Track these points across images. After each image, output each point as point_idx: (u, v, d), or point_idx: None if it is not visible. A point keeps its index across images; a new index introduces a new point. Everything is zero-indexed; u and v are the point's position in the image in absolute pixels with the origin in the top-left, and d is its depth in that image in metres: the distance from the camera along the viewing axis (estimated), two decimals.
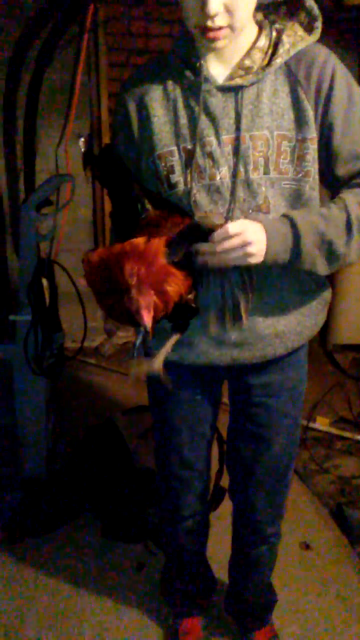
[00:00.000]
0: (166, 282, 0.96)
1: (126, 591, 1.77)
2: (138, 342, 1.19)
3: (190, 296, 1.04)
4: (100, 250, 1.01)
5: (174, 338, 1.10)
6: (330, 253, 1.04)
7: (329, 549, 1.92)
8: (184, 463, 1.36)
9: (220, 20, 0.97)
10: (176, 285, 0.97)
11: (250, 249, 0.96)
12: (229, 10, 0.96)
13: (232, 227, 0.95)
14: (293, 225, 1.01)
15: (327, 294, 1.23)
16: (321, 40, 1.08)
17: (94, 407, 2.70)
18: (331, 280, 3.31)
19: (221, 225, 0.96)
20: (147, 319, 0.94)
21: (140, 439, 2.18)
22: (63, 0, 2.80)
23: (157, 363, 1.09)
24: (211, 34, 0.99)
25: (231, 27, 0.99)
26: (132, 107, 1.11)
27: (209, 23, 0.97)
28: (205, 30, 0.99)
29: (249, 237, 0.96)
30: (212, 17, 0.96)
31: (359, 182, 1.08)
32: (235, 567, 1.56)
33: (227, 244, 0.95)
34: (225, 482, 1.53)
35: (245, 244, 0.96)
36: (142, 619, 1.68)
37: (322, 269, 1.06)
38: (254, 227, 0.98)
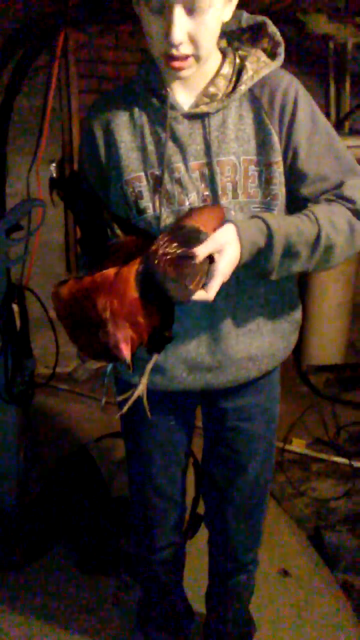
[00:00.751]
0: (139, 314, 0.94)
1: (102, 625, 1.71)
2: (109, 369, 1.17)
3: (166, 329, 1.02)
4: (70, 283, 0.98)
5: (151, 363, 1.09)
6: (290, 264, 1.02)
7: (308, 574, 1.90)
8: (158, 492, 1.33)
9: (184, 49, 0.97)
10: (149, 316, 0.96)
11: (227, 277, 0.95)
12: (193, 40, 0.97)
13: (199, 251, 0.92)
14: (269, 237, 0.99)
15: (298, 316, 1.23)
16: (285, 68, 1.10)
17: (67, 434, 2.64)
18: (304, 301, 3.34)
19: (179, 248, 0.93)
20: (126, 352, 0.92)
21: (116, 466, 2.14)
22: (34, 26, 2.82)
23: (140, 391, 1.07)
24: (176, 64, 0.99)
25: (195, 56, 0.99)
26: (98, 134, 1.11)
27: (174, 51, 0.97)
28: (169, 59, 0.99)
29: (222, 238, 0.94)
30: (176, 46, 0.96)
31: (327, 199, 1.08)
32: (213, 598, 1.52)
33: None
34: (202, 509, 1.50)
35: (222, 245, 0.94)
36: None
37: (275, 275, 1.03)
38: (226, 246, 0.95)
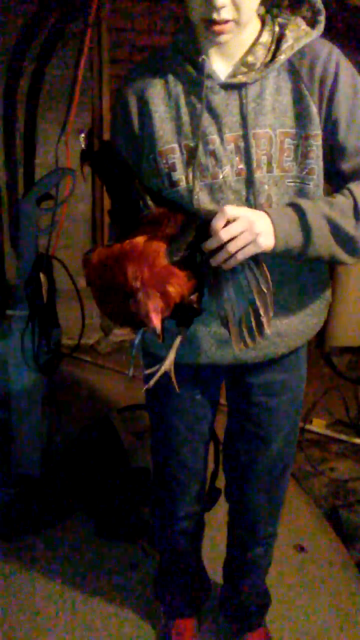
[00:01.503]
0: (168, 283, 0.94)
1: (120, 591, 1.75)
2: (137, 340, 1.18)
3: (193, 297, 1.02)
4: (100, 250, 0.99)
5: (179, 338, 1.09)
6: (341, 236, 1.01)
7: (324, 551, 1.91)
8: (181, 464, 1.34)
9: (226, 13, 0.95)
10: (178, 286, 0.96)
11: (257, 228, 0.94)
12: (235, 4, 0.95)
13: (230, 209, 0.93)
14: (295, 206, 0.99)
15: (328, 293, 1.22)
16: (334, 43, 1.07)
17: (89, 404, 2.68)
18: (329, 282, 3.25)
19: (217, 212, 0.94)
20: (157, 322, 0.93)
21: (137, 437, 2.17)
22: None
23: (168, 365, 1.07)
24: (217, 28, 0.97)
25: (236, 21, 0.97)
26: (132, 103, 1.09)
27: (215, 16, 0.95)
28: (210, 23, 0.97)
29: (251, 217, 0.94)
30: (218, 10, 0.94)
31: None
32: (230, 569, 1.55)
33: (232, 229, 0.93)
34: (220, 482, 1.52)
35: (251, 223, 0.93)
36: (135, 619, 1.67)
37: (343, 255, 1.02)
38: (252, 211, 0.96)
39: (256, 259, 0.97)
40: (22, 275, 1.92)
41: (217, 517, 1.73)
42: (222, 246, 0.94)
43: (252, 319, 0.99)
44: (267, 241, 0.96)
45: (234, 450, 1.34)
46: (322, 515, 2.07)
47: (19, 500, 2.02)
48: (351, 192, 1.02)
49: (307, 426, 2.55)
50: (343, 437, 2.51)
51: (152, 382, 1.08)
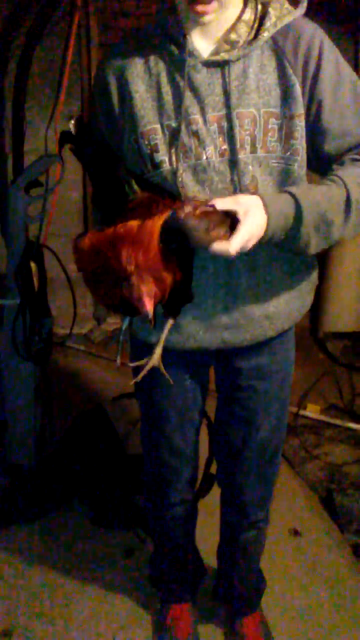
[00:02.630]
0: (163, 269, 0.93)
1: (115, 577, 1.76)
2: (124, 327, 1.17)
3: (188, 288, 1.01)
4: (91, 234, 0.97)
5: (169, 325, 1.08)
6: (327, 234, 1.01)
7: (319, 535, 1.92)
8: (173, 450, 1.34)
9: None
10: (172, 271, 0.94)
11: (253, 241, 0.93)
12: None
13: (245, 228, 0.91)
14: (297, 207, 0.97)
15: (314, 275, 1.21)
16: (315, 19, 1.05)
17: (83, 393, 2.68)
18: (323, 268, 3.27)
19: (207, 201, 0.92)
20: (150, 306, 0.91)
21: (131, 425, 2.17)
22: None
23: (157, 353, 1.06)
24: (200, 7, 0.95)
25: (219, 1, 0.96)
26: (112, 83, 1.07)
27: None
28: (193, 2, 0.95)
29: (255, 231, 0.93)
30: None
31: (352, 158, 1.05)
32: (224, 553, 1.55)
33: (239, 244, 0.91)
34: (214, 468, 1.51)
35: (250, 237, 0.92)
36: (131, 605, 1.68)
37: (313, 250, 1.02)
38: (256, 223, 0.93)
39: None
40: (12, 263, 1.90)
41: (211, 502, 1.73)
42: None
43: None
44: (257, 239, 0.95)
45: (225, 435, 1.33)
46: (317, 499, 2.08)
47: (13, 489, 2.01)
48: (344, 183, 1.00)
49: (302, 411, 2.56)
50: (337, 421, 2.52)
51: (139, 377, 1.07)
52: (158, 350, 1.08)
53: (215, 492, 1.51)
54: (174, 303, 1.04)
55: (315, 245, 1.01)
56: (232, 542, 1.48)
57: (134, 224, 0.93)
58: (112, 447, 2.08)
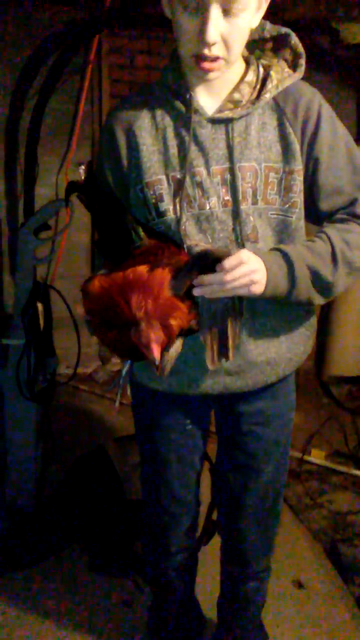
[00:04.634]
0: (172, 316, 0.94)
1: (113, 627, 1.71)
2: (125, 371, 1.17)
3: (192, 322, 1.02)
4: (101, 278, 0.98)
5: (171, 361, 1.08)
6: (320, 282, 1.06)
7: (323, 587, 1.86)
8: (173, 496, 1.32)
9: (216, 50, 0.98)
10: (180, 319, 0.96)
11: (255, 277, 0.97)
12: (225, 41, 0.98)
13: (245, 254, 0.95)
14: (284, 255, 1.03)
15: (313, 320, 1.24)
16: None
17: (85, 434, 2.66)
18: (326, 311, 3.28)
19: (228, 254, 0.95)
20: (157, 353, 0.92)
21: (133, 468, 2.14)
22: (68, 31, 2.86)
23: (174, 352, 1.05)
24: (206, 65, 1.00)
25: (226, 59, 1.01)
26: (120, 135, 1.11)
27: (206, 51, 0.98)
28: (200, 59, 1.00)
29: (254, 265, 0.96)
30: (210, 46, 0.97)
31: (341, 218, 1.11)
32: (225, 605, 1.51)
33: (238, 272, 0.94)
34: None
35: (252, 272, 0.96)
36: None
37: (317, 298, 1.07)
38: (255, 258, 0.98)
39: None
40: (19, 303, 1.93)
41: (211, 552, 1.69)
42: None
43: (218, 343, 1.03)
44: (258, 290, 0.99)
45: (225, 481, 1.32)
46: (321, 549, 2.03)
47: (11, 533, 1.98)
48: (329, 238, 1.07)
49: (306, 457, 2.52)
50: (342, 468, 2.48)
51: (168, 367, 1.04)
52: (167, 367, 1.06)
53: (216, 542, 1.48)
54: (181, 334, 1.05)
55: (317, 296, 1.07)
56: (233, 593, 1.45)
57: (143, 270, 0.95)
58: (112, 491, 2.05)
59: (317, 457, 2.54)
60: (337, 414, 2.86)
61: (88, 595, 1.81)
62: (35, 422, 2.01)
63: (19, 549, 1.94)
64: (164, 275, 0.94)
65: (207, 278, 0.95)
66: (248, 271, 0.95)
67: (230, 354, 1.04)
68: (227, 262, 0.94)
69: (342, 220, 1.11)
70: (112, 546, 1.92)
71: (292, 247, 1.05)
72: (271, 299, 1.04)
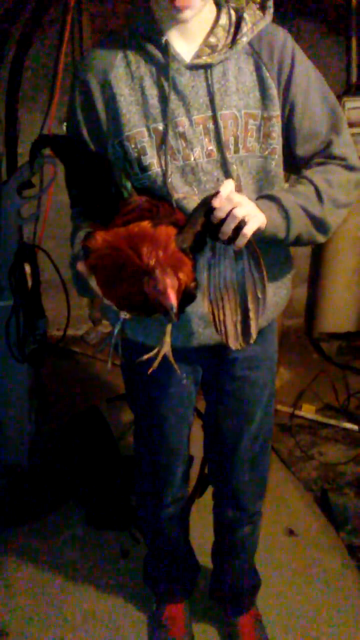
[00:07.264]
0: (179, 269, 0.94)
1: (110, 578, 1.76)
2: (116, 330, 1.16)
3: (192, 284, 1.01)
4: (102, 233, 0.96)
5: (170, 325, 1.08)
6: (312, 219, 1.05)
7: (314, 534, 1.92)
8: (169, 450, 1.34)
9: None
10: (187, 275, 0.95)
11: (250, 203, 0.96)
12: None
13: (230, 183, 0.95)
14: (268, 197, 1.03)
15: (292, 264, 1.26)
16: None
17: (78, 395, 2.67)
18: (317, 268, 3.26)
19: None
20: (174, 299, 0.90)
21: (125, 426, 2.16)
22: None
23: (167, 342, 1.07)
24: (180, 2, 0.96)
25: None
26: (95, 87, 1.06)
27: None
28: None
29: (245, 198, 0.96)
30: None
31: (318, 162, 1.10)
32: (219, 551, 1.55)
33: (235, 197, 0.93)
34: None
35: (247, 199, 0.95)
36: (126, 606, 1.67)
37: (317, 235, 1.08)
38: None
39: (256, 258, 0.97)
40: (5, 264, 1.90)
41: (205, 502, 1.73)
42: (226, 219, 0.94)
43: (242, 322, 1.00)
44: (261, 217, 0.97)
45: (218, 431, 1.34)
46: (312, 498, 2.08)
47: (7, 491, 2.01)
48: (309, 180, 1.06)
49: (297, 412, 2.56)
50: (332, 421, 2.52)
51: (155, 365, 1.06)
52: (167, 339, 1.08)
53: (208, 495, 1.51)
54: (181, 302, 1.04)
55: (315, 232, 1.07)
56: (226, 537, 1.49)
57: (146, 224, 0.94)
58: (106, 448, 2.08)
59: (307, 411, 2.58)
60: (327, 370, 2.89)
61: (85, 548, 1.86)
62: (27, 383, 2.02)
63: (15, 506, 1.97)
64: (169, 230, 0.94)
65: (216, 213, 0.93)
66: (245, 199, 0.95)
67: (253, 331, 1.00)
68: (223, 189, 0.93)
69: (319, 164, 1.10)
70: (108, 500, 1.95)
71: (274, 191, 1.06)
72: (274, 238, 1.03)
